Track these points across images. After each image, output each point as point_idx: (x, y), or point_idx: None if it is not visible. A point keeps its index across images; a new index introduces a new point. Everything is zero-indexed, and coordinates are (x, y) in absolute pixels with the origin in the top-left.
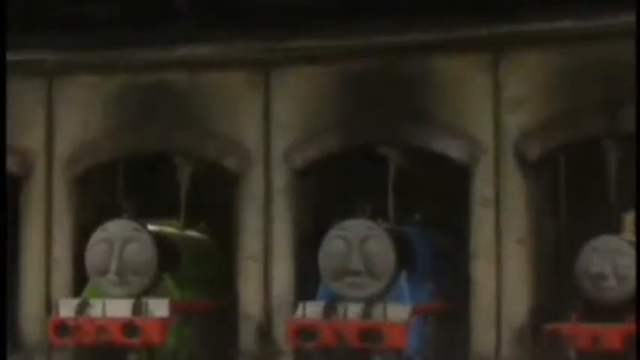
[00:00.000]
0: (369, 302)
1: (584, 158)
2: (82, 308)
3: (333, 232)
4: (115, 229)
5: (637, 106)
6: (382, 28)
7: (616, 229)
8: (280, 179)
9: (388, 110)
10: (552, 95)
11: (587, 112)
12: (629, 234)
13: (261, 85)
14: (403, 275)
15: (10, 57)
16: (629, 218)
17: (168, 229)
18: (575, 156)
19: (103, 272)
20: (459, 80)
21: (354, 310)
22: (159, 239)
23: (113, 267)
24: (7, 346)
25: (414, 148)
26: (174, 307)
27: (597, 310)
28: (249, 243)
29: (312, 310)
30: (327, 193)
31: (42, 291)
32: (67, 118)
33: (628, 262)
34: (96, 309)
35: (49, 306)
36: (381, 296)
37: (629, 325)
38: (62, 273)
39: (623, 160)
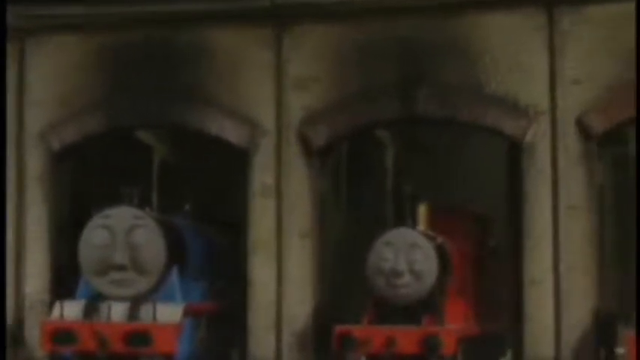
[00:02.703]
0: (136, 302)
1: (370, 145)
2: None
3: (95, 221)
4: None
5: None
6: None
7: (411, 220)
8: (35, 163)
9: (157, 88)
10: (341, 75)
11: (379, 94)
12: (423, 226)
13: (15, 55)
14: (174, 271)
15: None
16: (424, 209)
17: None
18: (362, 142)
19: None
20: (237, 56)
21: (118, 311)
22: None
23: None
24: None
25: (186, 131)
26: None
27: (391, 310)
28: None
29: (71, 310)
30: (88, 178)
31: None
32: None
33: (423, 257)
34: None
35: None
36: (150, 295)
37: (426, 327)
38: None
39: (417, 147)
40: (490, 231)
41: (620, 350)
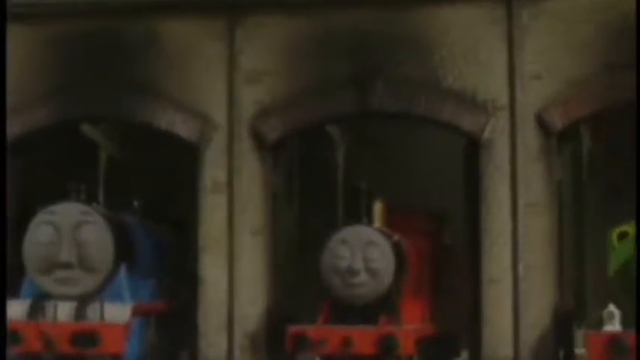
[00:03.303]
0: (83, 301)
1: (323, 140)
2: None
3: (40, 218)
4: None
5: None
6: None
7: (366, 218)
8: None
9: (105, 81)
10: (295, 68)
11: (334, 88)
12: (379, 224)
13: None
14: (123, 270)
15: None
16: (379, 206)
17: None
18: (316, 137)
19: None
20: (188, 48)
21: (65, 310)
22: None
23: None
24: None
25: (135, 125)
26: None
27: (347, 310)
28: None
29: (15, 309)
30: (34, 173)
31: None
32: None
33: (380, 255)
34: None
35: None
36: (97, 294)
37: (383, 327)
38: None
39: (373, 142)
40: (447, 229)
41: (579, 350)
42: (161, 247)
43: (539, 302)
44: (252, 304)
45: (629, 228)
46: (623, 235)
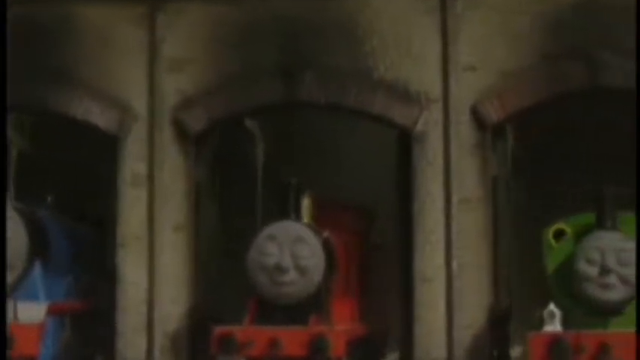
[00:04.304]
0: None
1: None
2: None
3: None
4: None
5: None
6: None
7: (295, 213)
8: None
9: (18, 69)
10: (220, 56)
11: (260, 78)
12: (307, 219)
13: None
14: (37, 267)
15: None
16: (307, 202)
17: None
18: (239, 129)
19: None
20: (106, 34)
21: None
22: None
23: None
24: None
25: (50, 115)
26: None
27: (275, 310)
28: None
29: None
30: None
31: None
32: None
33: (310, 252)
34: None
35: None
36: (11, 292)
37: (313, 327)
38: None
39: (300, 134)
40: (376, 226)
41: (514, 351)
42: (78, 244)
43: (474, 301)
44: (174, 303)
45: (566, 226)
46: (559, 234)
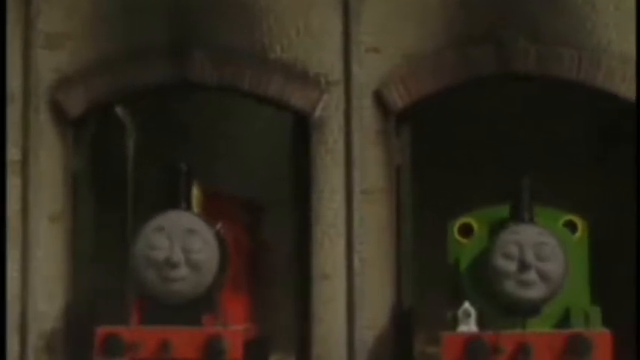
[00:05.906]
0: None
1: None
2: None
3: None
4: None
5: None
6: None
7: (185, 203)
8: None
9: None
10: (102, 33)
11: (147, 57)
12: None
13: None
14: None
15: None
16: (197, 191)
17: None
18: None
19: None
20: None
21: None
22: None
23: None
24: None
25: None
26: None
27: (165, 308)
28: None
29: None
30: None
31: None
32: None
33: (202, 245)
34: None
35: None
36: None
37: (207, 328)
38: None
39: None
40: (266, 219)
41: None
42: None
43: (377, 299)
44: (50, 300)
45: (473, 220)
46: (466, 229)
